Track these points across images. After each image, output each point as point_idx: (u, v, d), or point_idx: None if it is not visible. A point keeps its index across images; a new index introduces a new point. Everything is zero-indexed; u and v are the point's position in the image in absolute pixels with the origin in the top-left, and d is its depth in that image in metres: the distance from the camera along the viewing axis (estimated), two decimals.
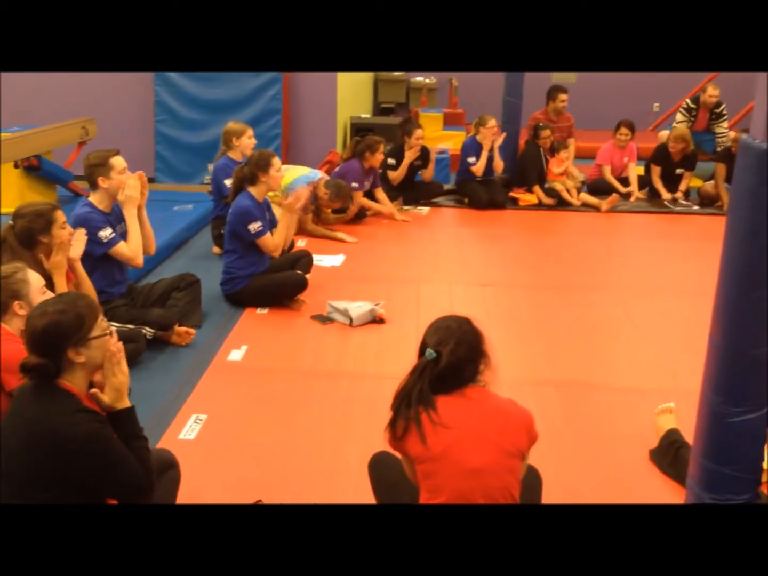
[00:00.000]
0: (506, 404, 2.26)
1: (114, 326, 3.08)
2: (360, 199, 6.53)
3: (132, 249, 3.95)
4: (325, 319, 4.48)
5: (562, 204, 7.25)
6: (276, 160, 4.64)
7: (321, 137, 7.93)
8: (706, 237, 6.30)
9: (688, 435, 2.62)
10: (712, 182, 7.39)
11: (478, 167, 7.12)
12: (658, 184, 7.49)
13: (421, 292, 4.99)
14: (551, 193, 7.29)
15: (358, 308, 4.43)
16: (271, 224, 4.71)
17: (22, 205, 3.46)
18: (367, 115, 9.51)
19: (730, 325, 2.10)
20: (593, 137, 9.05)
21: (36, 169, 6.44)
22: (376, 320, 4.46)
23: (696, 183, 7.69)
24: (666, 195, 7.40)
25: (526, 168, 7.34)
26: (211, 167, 6.02)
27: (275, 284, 4.67)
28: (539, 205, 7.22)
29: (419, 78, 11.02)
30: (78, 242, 3.52)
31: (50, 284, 3.15)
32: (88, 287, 3.55)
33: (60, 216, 3.39)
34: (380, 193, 6.77)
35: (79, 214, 3.87)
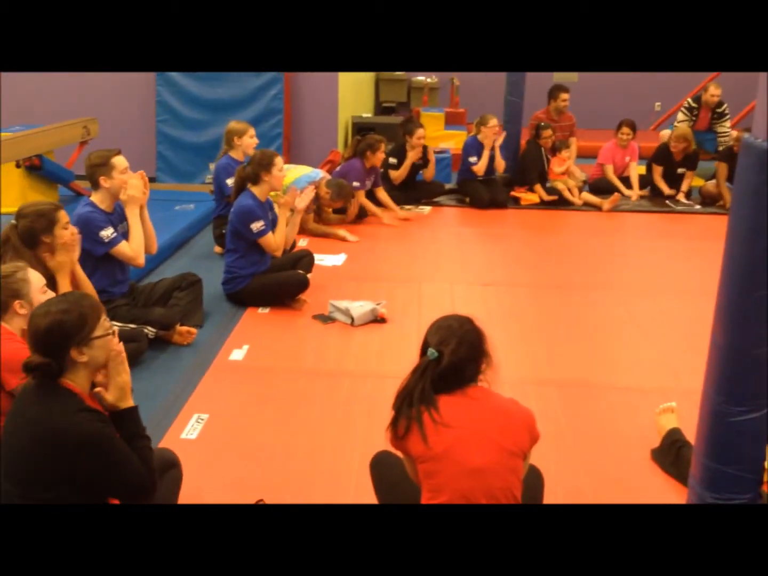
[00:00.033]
0: (508, 404, 2.26)
1: (116, 326, 3.08)
2: (361, 200, 6.53)
3: (134, 248, 3.95)
4: (326, 319, 4.48)
5: (563, 203, 7.25)
6: (279, 160, 4.64)
7: (322, 137, 7.93)
8: (707, 236, 6.29)
9: (690, 434, 2.62)
10: (713, 182, 7.37)
11: (480, 167, 7.12)
12: (661, 183, 7.47)
13: (423, 292, 4.99)
14: (553, 192, 7.28)
15: (359, 308, 4.43)
16: (274, 224, 4.71)
17: (26, 204, 3.46)
18: (369, 115, 9.51)
19: (731, 324, 2.10)
20: (595, 136, 9.05)
21: (37, 168, 6.44)
22: (378, 320, 4.46)
23: (698, 182, 7.67)
24: (668, 191, 7.39)
25: (527, 167, 7.33)
26: (212, 167, 6.02)
27: (277, 284, 4.67)
28: (541, 204, 7.21)
29: (420, 77, 11.02)
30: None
31: (52, 284, 3.15)
32: (88, 288, 3.55)
33: (63, 216, 3.39)
34: (381, 193, 6.76)
35: (80, 213, 3.87)
